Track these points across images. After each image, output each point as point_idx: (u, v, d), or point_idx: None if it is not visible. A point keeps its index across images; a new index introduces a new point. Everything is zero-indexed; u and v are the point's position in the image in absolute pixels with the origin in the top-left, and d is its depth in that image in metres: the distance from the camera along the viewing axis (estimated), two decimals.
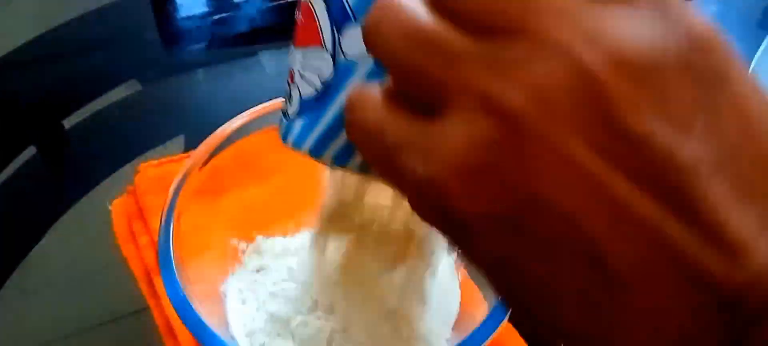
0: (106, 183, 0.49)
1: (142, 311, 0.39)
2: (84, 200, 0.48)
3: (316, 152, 0.24)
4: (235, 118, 0.37)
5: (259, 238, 0.39)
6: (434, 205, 0.15)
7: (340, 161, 0.23)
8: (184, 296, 0.29)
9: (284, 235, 0.40)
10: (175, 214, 0.33)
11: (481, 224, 0.14)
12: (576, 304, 0.14)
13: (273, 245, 0.39)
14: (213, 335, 0.28)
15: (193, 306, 0.29)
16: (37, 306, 0.41)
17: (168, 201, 0.33)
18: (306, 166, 0.43)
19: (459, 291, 0.35)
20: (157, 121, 0.57)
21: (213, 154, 0.36)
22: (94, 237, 0.45)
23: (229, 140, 0.38)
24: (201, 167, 0.35)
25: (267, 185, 0.42)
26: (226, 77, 0.61)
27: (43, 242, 0.45)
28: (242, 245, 0.38)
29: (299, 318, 0.33)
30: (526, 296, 0.15)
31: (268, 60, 0.62)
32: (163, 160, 0.45)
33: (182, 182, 0.34)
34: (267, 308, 0.34)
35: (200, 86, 0.60)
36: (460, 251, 0.16)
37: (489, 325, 0.28)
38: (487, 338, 0.28)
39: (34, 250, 0.44)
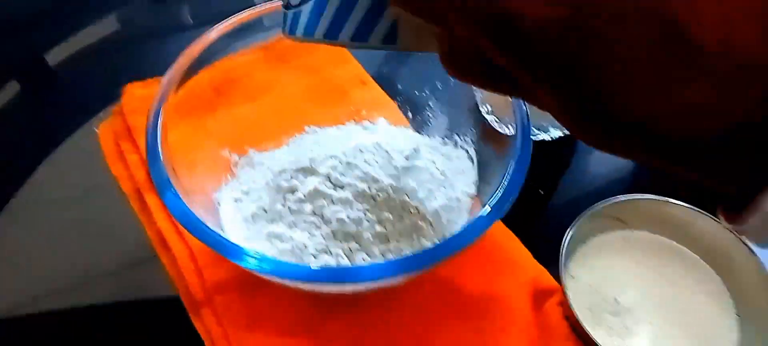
0: (95, 119, 0.48)
1: (133, 228, 0.38)
2: (73, 135, 0.47)
3: (331, 35, 0.22)
4: (211, 29, 0.36)
5: (252, 151, 0.39)
6: (485, 22, 0.15)
7: (360, 38, 0.22)
8: (182, 201, 0.28)
9: (277, 147, 0.39)
10: (161, 123, 0.32)
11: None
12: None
13: (265, 157, 0.38)
14: (215, 234, 0.27)
15: (188, 207, 0.29)
16: (29, 226, 0.40)
17: (152, 109, 0.32)
18: (295, 83, 0.43)
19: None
20: (144, 51, 0.55)
21: (198, 64, 0.35)
22: (84, 164, 0.44)
23: (214, 51, 0.37)
24: (185, 75, 0.34)
25: (257, 102, 0.41)
26: (216, 12, 0.59)
27: (35, 175, 0.44)
28: (235, 157, 0.38)
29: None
30: (600, 80, 0.15)
31: None
32: (150, 80, 0.44)
33: (166, 91, 0.33)
34: (260, 203, 0.33)
35: (185, 19, 0.59)
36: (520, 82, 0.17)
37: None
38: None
39: (26, 182, 0.43)
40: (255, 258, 0.26)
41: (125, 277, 0.38)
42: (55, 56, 0.54)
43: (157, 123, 0.32)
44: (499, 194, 0.29)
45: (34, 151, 0.46)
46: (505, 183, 0.30)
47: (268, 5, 0.38)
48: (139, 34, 0.58)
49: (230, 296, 0.34)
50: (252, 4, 0.59)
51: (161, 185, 0.29)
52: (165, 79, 0.33)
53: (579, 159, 0.46)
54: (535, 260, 0.38)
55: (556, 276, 0.36)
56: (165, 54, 0.55)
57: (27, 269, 0.39)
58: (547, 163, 0.45)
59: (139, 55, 0.56)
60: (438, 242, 0.32)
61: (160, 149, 0.31)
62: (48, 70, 0.54)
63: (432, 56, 0.39)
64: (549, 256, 0.36)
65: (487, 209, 0.29)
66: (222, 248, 0.26)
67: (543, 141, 0.45)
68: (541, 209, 0.42)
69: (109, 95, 0.49)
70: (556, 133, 0.44)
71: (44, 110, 0.50)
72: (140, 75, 0.51)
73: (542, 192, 0.43)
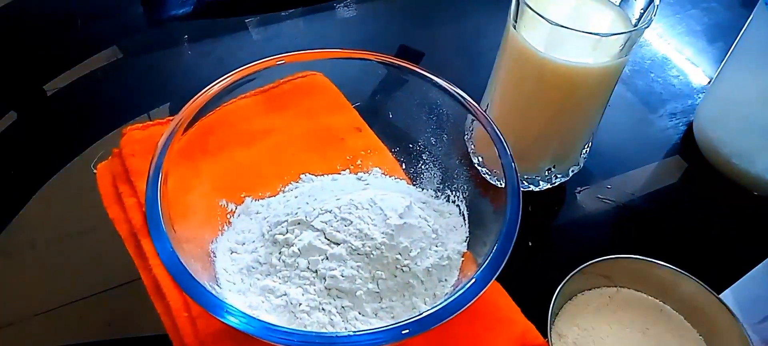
0: (90, 150, 0.49)
1: (127, 272, 0.38)
2: (69, 166, 0.48)
3: None
4: (220, 78, 0.37)
5: (248, 199, 0.39)
6: None
7: None
8: (173, 251, 0.29)
9: (273, 195, 0.40)
10: (162, 172, 0.32)
11: None
12: None
13: (261, 206, 0.39)
14: (202, 289, 0.28)
15: (182, 261, 0.29)
16: (20, 268, 0.41)
17: (155, 158, 0.33)
18: (292, 129, 0.44)
19: None
20: (141, 88, 0.56)
21: (199, 115, 0.36)
22: (79, 202, 0.45)
23: (215, 101, 0.37)
24: (187, 127, 0.35)
25: (254, 148, 0.42)
26: (212, 46, 0.60)
27: (28, 207, 0.44)
28: (231, 206, 0.38)
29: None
30: None
31: (254, 27, 0.62)
32: (149, 123, 0.44)
33: (169, 140, 0.34)
34: (256, 255, 0.34)
35: (185, 55, 0.60)
36: None
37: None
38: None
39: (18, 215, 0.44)
40: (241, 319, 0.27)
41: (118, 321, 0.38)
42: (54, 86, 0.55)
43: (159, 171, 0.32)
44: (491, 257, 0.30)
45: (29, 183, 0.46)
46: (496, 245, 0.31)
47: (272, 60, 0.38)
48: (138, 64, 0.59)
49: (223, 344, 0.35)
50: (245, 30, 0.60)
51: (157, 235, 0.29)
52: (172, 124, 0.34)
53: (568, 210, 0.47)
54: (524, 316, 0.38)
55: (544, 332, 0.36)
56: (163, 84, 0.56)
57: (16, 306, 0.39)
58: (536, 215, 0.46)
59: (136, 85, 0.56)
60: (428, 302, 0.33)
61: (159, 198, 0.31)
62: (46, 100, 0.54)
63: (427, 108, 0.40)
64: (537, 310, 0.37)
65: (479, 270, 0.29)
66: (211, 308, 0.27)
67: (532, 192, 0.46)
68: (531, 261, 0.43)
69: (106, 128, 0.50)
70: (545, 185, 0.45)
71: (41, 141, 0.51)
72: (137, 106, 0.52)
73: (531, 243, 0.44)
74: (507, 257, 0.30)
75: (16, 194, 0.46)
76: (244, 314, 0.27)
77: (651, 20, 0.36)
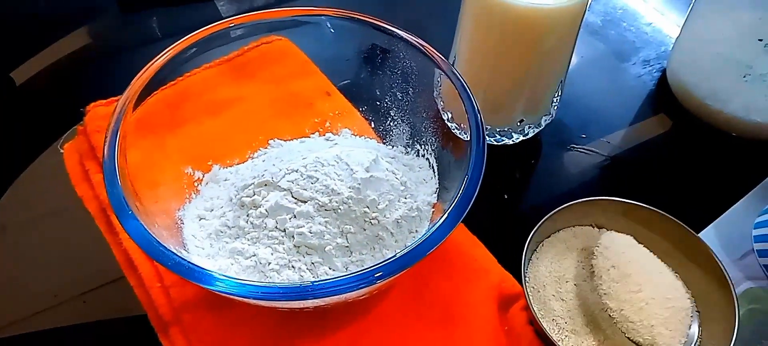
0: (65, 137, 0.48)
1: (100, 248, 0.38)
2: (41, 157, 0.47)
3: None
4: (170, 47, 0.36)
5: (216, 167, 0.39)
6: None
7: None
8: (138, 220, 0.29)
9: (242, 162, 0.40)
10: (119, 138, 0.32)
11: None
12: None
13: (229, 173, 0.39)
14: (170, 254, 0.28)
15: (148, 230, 0.29)
16: None
17: (109, 131, 0.32)
18: (259, 96, 0.43)
19: None
20: (112, 67, 0.55)
21: (155, 82, 0.35)
22: (50, 185, 0.44)
23: (174, 69, 0.37)
24: (140, 96, 0.34)
25: (221, 117, 0.41)
26: (182, 23, 0.59)
27: (2, 198, 0.44)
28: (198, 174, 0.38)
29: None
30: None
31: (222, 4, 0.61)
32: (112, 99, 0.44)
33: (121, 112, 0.33)
34: (223, 219, 0.33)
35: (154, 33, 0.59)
36: None
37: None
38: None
39: None
40: (215, 278, 0.27)
41: (92, 298, 0.38)
42: (23, 74, 0.54)
43: (114, 144, 0.32)
44: (457, 200, 0.30)
45: (0, 173, 0.46)
46: (462, 189, 0.31)
47: (227, 22, 0.38)
48: (108, 50, 0.58)
49: (198, 314, 0.34)
50: (219, 18, 0.60)
51: (120, 210, 0.29)
52: (122, 97, 0.34)
53: (543, 163, 0.46)
54: (500, 266, 0.38)
55: (520, 280, 0.36)
56: (134, 70, 0.55)
57: None
58: (511, 168, 0.45)
59: (107, 71, 0.55)
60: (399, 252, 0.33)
61: (117, 173, 0.31)
62: (15, 88, 0.53)
63: (393, 65, 0.40)
64: (513, 260, 0.37)
65: (445, 216, 0.29)
66: (180, 270, 0.27)
67: (506, 145, 0.45)
68: (506, 214, 0.43)
69: (77, 113, 0.49)
70: (518, 137, 0.45)
71: (12, 130, 0.50)
72: (108, 92, 0.51)
73: (507, 196, 0.44)
74: (473, 199, 0.30)
75: None
76: (221, 275, 0.27)
77: None
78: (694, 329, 0.36)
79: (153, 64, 0.35)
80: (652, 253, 0.37)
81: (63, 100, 0.52)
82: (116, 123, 0.33)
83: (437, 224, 0.29)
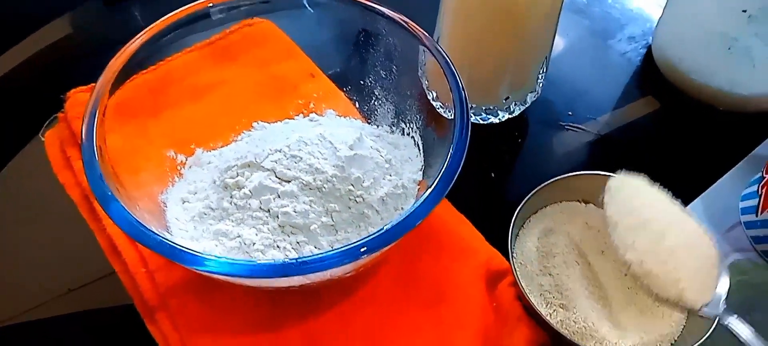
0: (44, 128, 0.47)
1: (84, 235, 0.37)
2: (24, 150, 0.46)
3: None
4: (148, 28, 0.36)
5: (199, 150, 0.38)
6: None
7: None
8: (120, 203, 0.28)
9: (226, 145, 0.39)
10: (97, 123, 0.31)
11: None
12: None
13: (213, 156, 0.38)
14: (152, 235, 0.27)
15: (130, 212, 0.28)
16: None
17: (86, 117, 0.32)
18: (243, 79, 0.43)
19: None
20: (95, 57, 0.54)
21: (133, 63, 0.35)
22: (34, 176, 0.43)
23: (152, 52, 0.36)
24: (118, 77, 0.34)
25: (204, 101, 0.41)
26: (164, 12, 0.59)
27: None
28: (181, 158, 0.37)
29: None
30: None
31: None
32: (93, 85, 0.43)
33: (98, 97, 0.33)
34: (207, 202, 0.33)
35: (138, 23, 0.58)
36: None
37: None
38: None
39: None
40: (199, 258, 0.26)
41: (80, 289, 0.38)
42: (3, 65, 0.53)
43: (92, 127, 0.31)
44: (441, 175, 0.30)
45: None
46: (446, 164, 0.30)
47: (205, 1, 0.37)
48: (90, 40, 0.57)
49: (184, 298, 0.34)
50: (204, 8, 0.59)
51: (100, 192, 0.29)
52: (100, 80, 0.33)
53: (530, 142, 0.46)
54: (488, 243, 0.38)
55: (508, 257, 0.36)
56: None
57: None
58: (497, 147, 0.45)
59: (89, 61, 0.55)
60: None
61: (96, 155, 0.30)
62: None
63: (376, 44, 0.40)
64: (501, 237, 0.37)
65: (430, 190, 0.29)
66: (162, 250, 0.26)
67: (492, 124, 0.45)
68: (493, 192, 0.43)
69: (59, 102, 0.49)
70: (504, 115, 0.45)
71: None
72: (90, 81, 0.51)
73: (494, 175, 0.44)
74: (457, 173, 0.30)
75: None
76: (203, 254, 0.26)
77: None
78: (724, 283, 0.31)
79: (130, 45, 0.34)
80: (668, 196, 0.34)
81: (45, 90, 0.52)
82: (93, 106, 0.32)
83: (421, 199, 0.29)
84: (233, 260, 0.26)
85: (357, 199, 0.32)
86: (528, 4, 0.37)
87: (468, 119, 0.32)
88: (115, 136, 0.33)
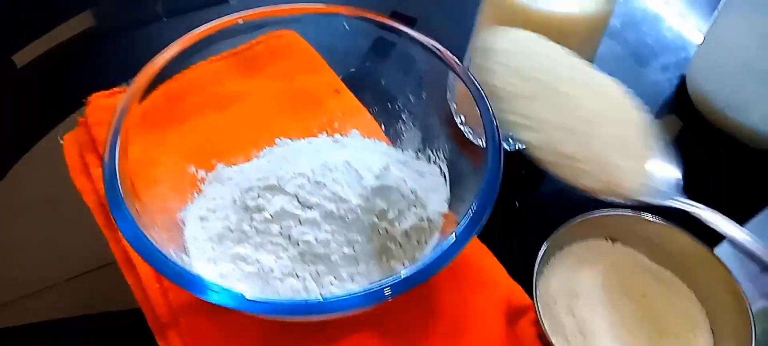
0: (65, 123, 0.47)
1: (98, 244, 0.37)
2: (40, 143, 0.46)
3: None
4: (177, 40, 0.35)
5: (220, 165, 0.37)
6: None
7: None
8: (135, 224, 0.27)
9: (247, 161, 0.38)
10: (120, 139, 0.31)
11: None
12: None
13: (233, 172, 0.37)
14: (165, 260, 0.27)
15: (146, 234, 0.28)
16: None
17: (112, 127, 0.31)
18: (266, 92, 0.42)
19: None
20: (114, 58, 0.54)
21: (159, 79, 0.34)
22: (51, 175, 0.43)
23: (180, 63, 0.35)
24: (145, 92, 0.33)
25: (226, 113, 0.40)
26: (187, 12, 0.58)
27: None
28: (201, 173, 0.37)
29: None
30: None
31: None
32: (115, 90, 0.42)
33: (126, 107, 0.32)
34: (226, 222, 0.32)
35: (160, 21, 0.57)
36: None
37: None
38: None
39: None
40: (213, 291, 0.25)
41: (89, 292, 0.37)
42: (24, 56, 0.52)
43: (115, 144, 0.31)
44: (471, 213, 0.29)
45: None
46: (476, 205, 0.29)
47: (234, 17, 0.36)
48: (111, 32, 0.56)
49: (196, 318, 0.33)
50: (225, 6, 0.58)
51: (119, 213, 0.28)
52: (125, 96, 0.32)
53: None
54: (510, 277, 0.37)
55: (530, 292, 0.35)
56: (137, 53, 0.54)
57: None
58: (523, 175, 0.44)
59: (109, 54, 0.54)
60: (408, 265, 0.32)
61: (117, 174, 0.29)
62: (15, 72, 0.52)
63: (407, 67, 0.39)
64: (523, 271, 0.36)
65: (453, 237, 0.28)
66: (177, 279, 0.26)
67: (519, 151, 0.44)
68: (517, 222, 0.42)
69: (77, 97, 0.48)
70: None
71: (10, 115, 0.49)
72: (110, 75, 0.50)
73: (518, 204, 0.42)
74: (487, 213, 0.29)
75: None
76: (225, 288, 0.26)
77: None
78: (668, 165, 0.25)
79: (158, 60, 0.34)
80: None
81: (64, 83, 0.51)
82: (118, 121, 0.31)
83: (450, 239, 0.28)
84: (259, 299, 0.25)
85: (380, 231, 0.31)
86: (568, 34, 0.36)
87: (501, 155, 0.31)
88: (135, 146, 0.33)
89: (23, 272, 0.38)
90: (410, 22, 0.58)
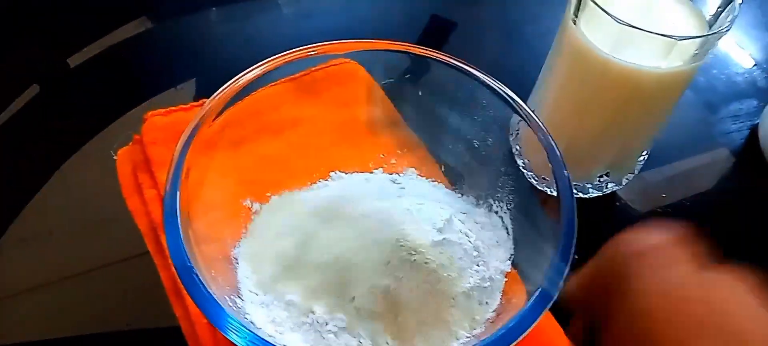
0: (112, 127, 0.47)
1: (145, 266, 0.36)
2: (88, 144, 0.46)
3: None
4: (251, 68, 0.34)
5: (274, 198, 0.36)
6: None
7: None
8: (190, 264, 0.27)
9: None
10: (184, 169, 0.30)
11: None
12: None
13: (288, 206, 0.36)
14: (215, 306, 0.26)
15: (198, 272, 0.27)
16: (36, 256, 0.39)
17: (176, 156, 0.30)
18: (323, 120, 0.41)
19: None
20: (167, 62, 0.54)
21: (226, 107, 0.33)
22: (98, 187, 0.43)
23: (245, 92, 0.34)
24: (213, 120, 0.32)
25: (281, 139, 0.39)
26: (241, 18, 0.57)
27: (44, 189, 0.42)
28: (256, 206, 0.36)
29: None
30: None
31: (285, 1, 0.59)
32: (172, 109, 0.42)
33: (192, 136, 0.31)
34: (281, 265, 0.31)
35: (213, 27, 0.57)
36: None
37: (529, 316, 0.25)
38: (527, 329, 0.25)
39: (34, 197, 0.42)
40: (247, 339, 0.24)
41: (135, 320, 0.37)
42: (79, 59, 0.52)
43: (179, 171, 0.30)
44: (544, 284, 0.27)
45: (48, 163, 0.44)
46: (549, 270, 0.28)
47: (303, 51, 0.35)
48: (164, 37, 0.56)
49: None
50: (278, 13, 0.57)
51: (172, 235, 0.27)
52: (192, 122, 0.31)
53: (617, 223, 0.43)
54: (567, 338, 0.35)
55: None
56: (188, 59, 0.54)
57: (30, 297, 0.37)
58: (582, 225, 0.42)
59: (162, 60, 0.54)
60: (467, 328, 0.30)
61: (178, 197, 0.29)
62: (69, 73, 0.52)
63: (471, 110, 0.37)
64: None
65: (533, 298, 0.26)
66: (214, 320, 0.25)
67: (579, 199, 0.42)
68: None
69: (129, 104, 0.48)
70: (594, 192, 0.42)
71: (61, 117, 0.49)
72: (161, 80, 0.50)
73: (577, 257, 0.41)
74: (562, 283, 0.27)
75: (36, 172, 0.44)
76: (252, 334, 0.25)
77: (732, 23, 0.32)
78: None
79: (230, 86, 0.33)
80: None
81: (115, 87, 0.51)
82: (186, 143, 0.30)
83: (523, 309, 0.26)
84: None
85: (442, 290, 0.30)
86: (650, 90, 0.34)
87: (575, 213, 0.29)
88: (192, 172, 0.32)
89: (67, 284, 0.38)
90: (450, 27, 0.57)
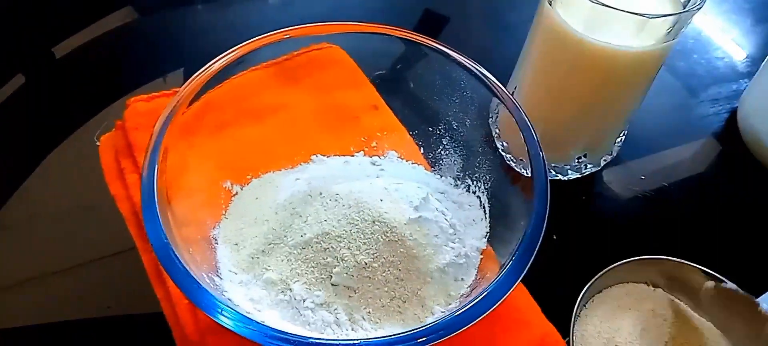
0: (98, 117, 0.47)
1: (128, 251, 0.36)
2: (75, 134, 0.46)
3: None
4: (228, 51, 0.34)
5: (254, 181, 0.37)
6: None
7: None
8: (167, 241, 0.27)
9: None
10: (161, 151, 0.30)
11: None
12: None
13: (268, 187, 0.37)
14: (193, 283, 0.26)
15: (177, 252, 0.27)
16: (19, 244, 0.39)
17: (153, 138, 0.30)
18: (304, 105, 0.41)
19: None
20: (153, 52, 0.54)
21: (204, 90, 0.34)
22: (83, 174, 0.43)
23: (223, 75, 0.35)
24: (189, 103, 0.33)
25: (263, 124, 0.39)
26: (226, 6, 0.58)
27: (29, 178, 0.43)
28: (236, 189, 0.36)
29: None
30: None
31: None
32: (154, 94, 0.42)
33: (169, 119, 0.31)
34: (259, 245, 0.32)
35: (200, 16, 0.57)
36: None
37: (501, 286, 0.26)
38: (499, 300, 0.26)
39: (20, 187, 0.42)
40: (232, 320, 0.25)
41: (116, 302, 0.37)
42: (64, 48, 0.52)
43: (156, 155, 0.30)
44: (514, 258, 0.28)
45: (33, 152, 0.45)
46: (521, 244, 0.28)
47: (279, 34, 0.36)
48: (150, 26, 0.56)
49: (224, 338, 0.33)
50: (265, 2, 0.58)
51: (150, 219, 0.27)
52: (171, 103, 0.32)
53: (596, 205, 0.44)
54: (544, 316, 0.36)
55: (565, 334, 0.34)
56: (174, 49, 0.54)
57: (12, 279, 0.38)
58: (562, 207, 0.42)
59: (147, 50, 0.54)
60: (442, 304, 0.31)
61: (156, 180, 0.29)
62: (54, 63, 0.52)
63: (450, 93, 0.37)
64: (558, 310, 0.35)
65: (503, 271, 0.27)
66: (197, 301, 0.25)
67: (559, 181, 0.43)
68: (554, 258, 0.40)
69: (115, 93, 0.48)
70: (573, 175, 0.42)
71: (48, 107, 0.49)
72: (147, 70, 0.50)
73: (555, 237, 0.41)
74: (533, 257, 0.28)
75: (21, 161, 0.44)
76: (239, 315, 0.25)
77: (703, 2, 0.32)
78: None
79: (206, 70, 0.33)
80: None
81: (101, 76, 0.51)
82: (162, 128, 0.31)
83: (491, 285, 0.27)
84: (287, 336, 0.25)
85: (417, 267, 0.30)
86: (624, 69, 0.35)
87: (548, 193, 0.30)
88: (172, 155, 0.32)
89: (49, 269, 0.38)
90: (442, 21, 0.57)
